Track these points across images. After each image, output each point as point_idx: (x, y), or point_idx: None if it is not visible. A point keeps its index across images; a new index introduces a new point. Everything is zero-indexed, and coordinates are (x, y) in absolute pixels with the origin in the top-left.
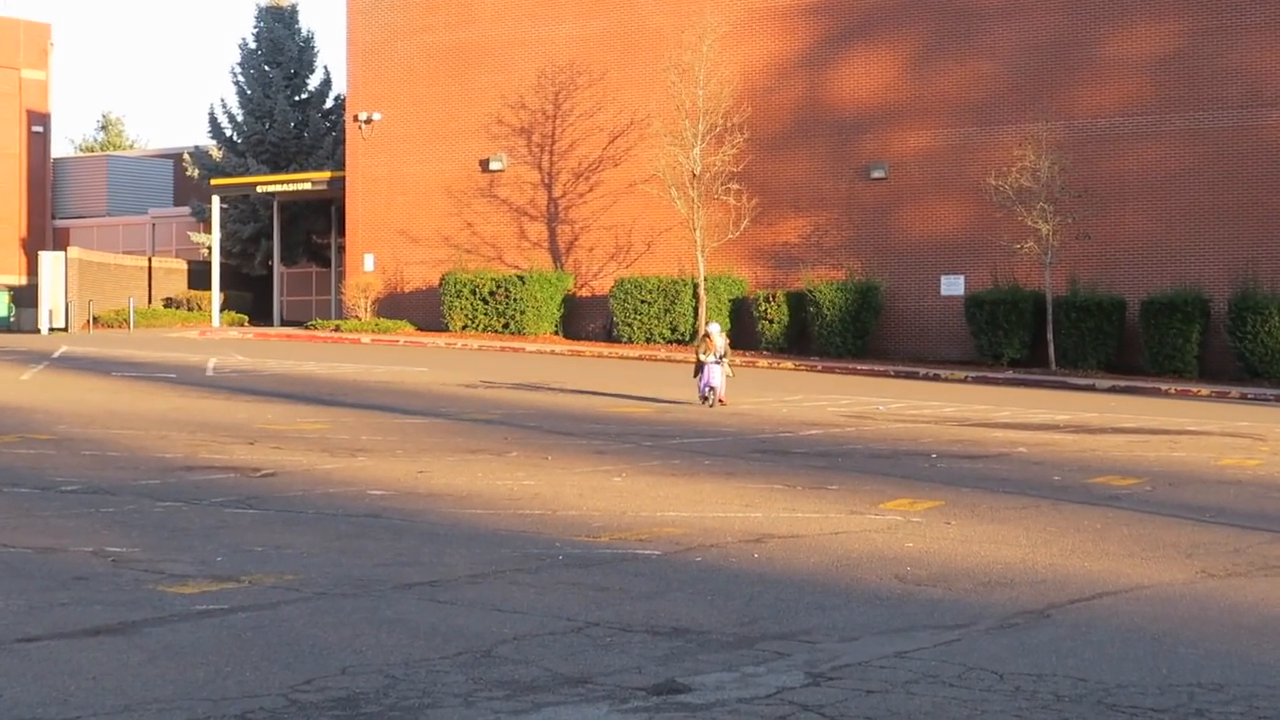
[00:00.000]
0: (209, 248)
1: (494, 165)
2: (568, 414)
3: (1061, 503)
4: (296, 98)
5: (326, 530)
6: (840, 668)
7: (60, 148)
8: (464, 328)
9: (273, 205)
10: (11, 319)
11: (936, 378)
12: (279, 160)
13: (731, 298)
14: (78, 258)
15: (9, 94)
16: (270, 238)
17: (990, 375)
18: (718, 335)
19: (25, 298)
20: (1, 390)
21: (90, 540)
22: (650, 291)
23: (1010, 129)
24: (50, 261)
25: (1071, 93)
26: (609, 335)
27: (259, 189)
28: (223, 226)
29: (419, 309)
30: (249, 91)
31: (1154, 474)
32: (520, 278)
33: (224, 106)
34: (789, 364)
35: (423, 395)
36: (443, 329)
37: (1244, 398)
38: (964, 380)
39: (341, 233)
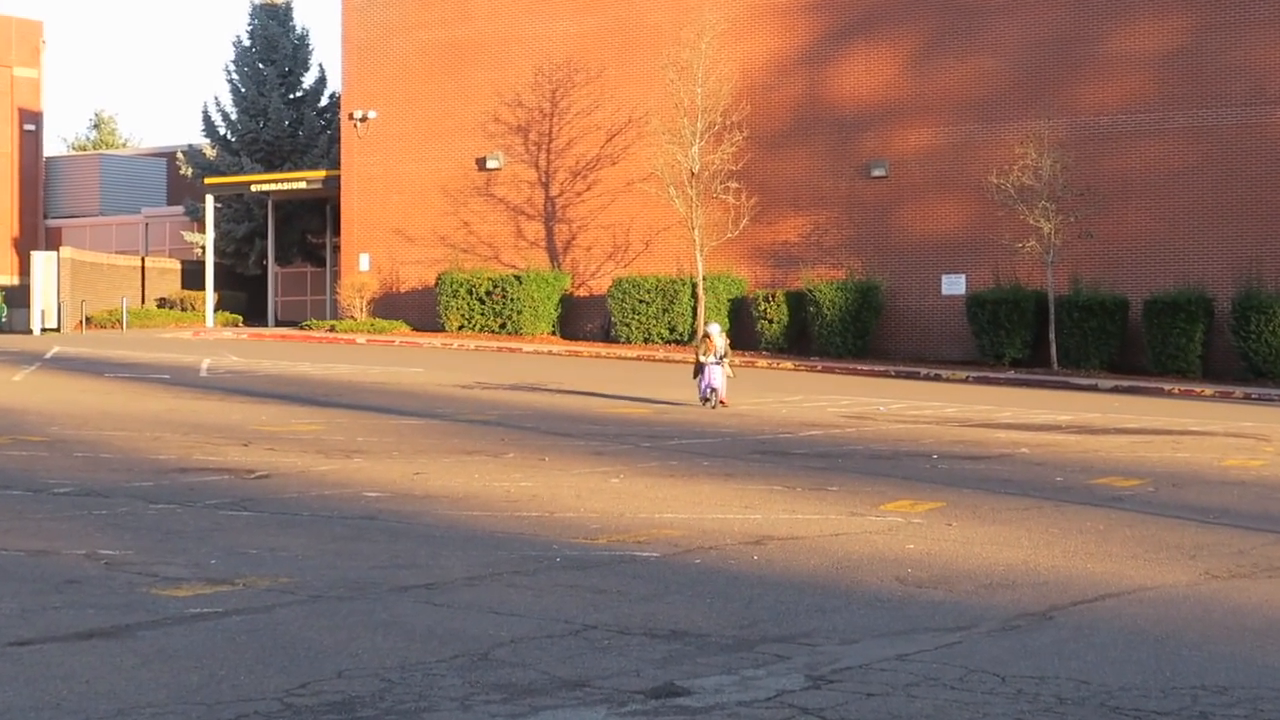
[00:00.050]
0: (203, 247)
1: (490, 164)
2: (565, 415)
3: (1064, 504)
4: (291, 95)
5: (322, 532)
6: (841, 670)
7: (53, 146)
8: (460, 328)
9: (267, 204)
10: (3, 319)
11: (938, 378)
12: (273, 159)
13: (730, 297)
14: (70, 257)
15: (0, 92)
16: (265, 237)
17: (992, 375)
18: (718, 336)
19: (17, 298)
20: None
21: (83, 543)
22: (648, 291)
23: (1012, 126)
24: (43, 261)
25: (1074, 90)
26: (607, 335)
27: (253, 188)
28: (217, 226)
29: (415, 309)
30: (243, 89)
31: (1157, 475)
32: (517, 277)
33: (218, 104)
34: (789, 364)
35: (419, 396)
36: (439, 329)
37: (1248, 398)
38: (965, 380)
39: (336, 232)
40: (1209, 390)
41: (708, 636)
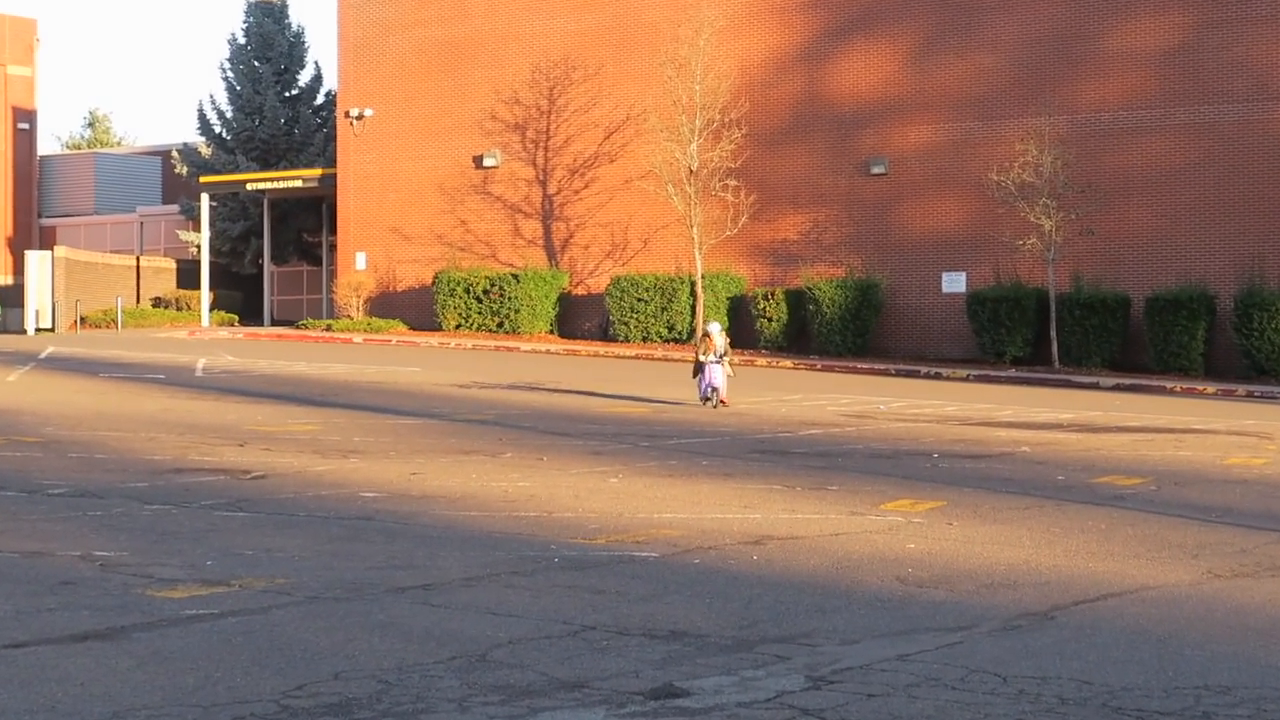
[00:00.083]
0: (198, 246)
1: (487, 162)
2: (563, 414)
3: (1065, 503)
4: (287, 94)
5: (318, 533)
6: (841, 671)
7: (46, 145)
8: (457, 327)
9: (263, 203)
10: None
11: (938, 376)
12: (269, 157)
13: (729, 296)
14: (64, 257)
15: None
16: (260, 236)
17: (992, 374)
18: (718, 335)
19: (11, 298)
20: None
21: (78, 544)
22: (647, 290)
23: (1012, 123)
24: (37, 261)
25: (1075, 86)
26: (605, 334)
27: (249, 186)
28: (212, 225)
29: (412, 308)
30: (238, 88)
31: (1159, 473)
32: (514, 276)
33: (213, 103)
34: (788, 363)
35: (416, 396)
36: (436, 328)
37: (1250, 396)
38: (966, 379)
39: (333, 231)
40: (1211, 388)
41: (707, 637)
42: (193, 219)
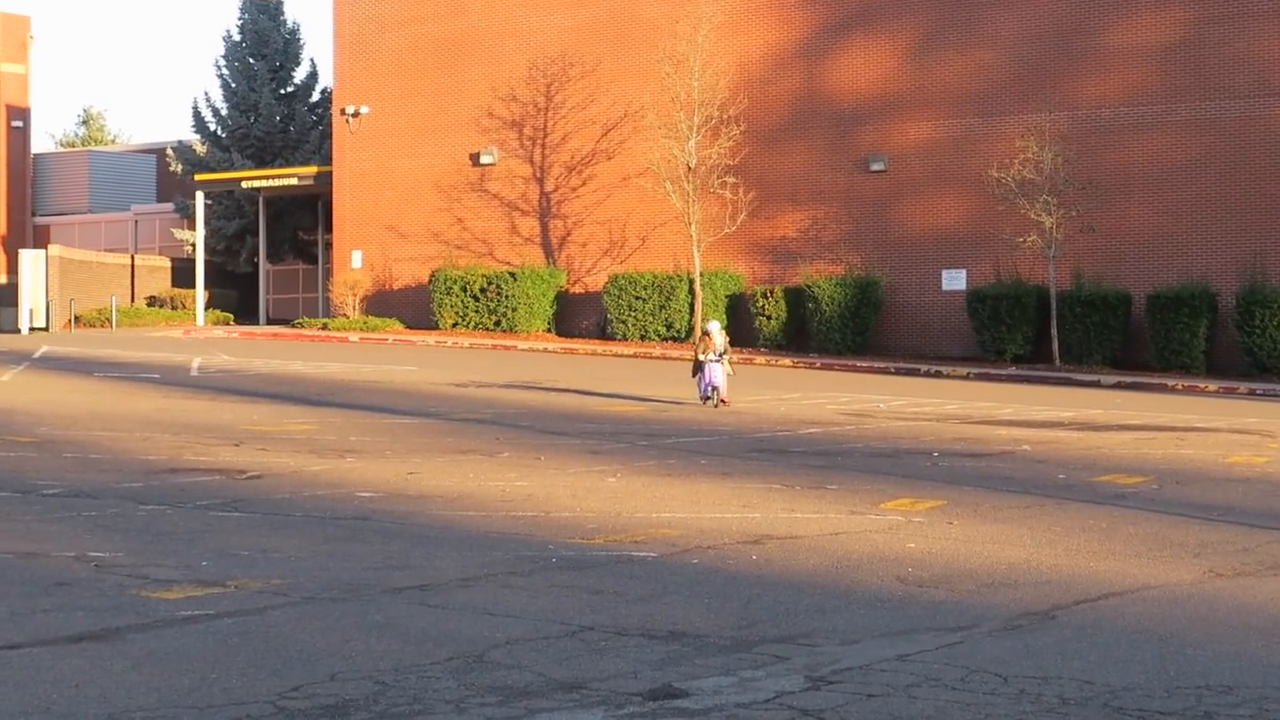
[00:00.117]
0: (193, 245)
1: (484, 159)
2: (561, 413)
3: (1066, 502)
4: (282, 91)
5: (314, 533)
6: (841, 671)
7: (40, 143)
8: (454, 325)
9: (258, 201)
10: None
11: (938, 374)
12: (264, 155)
13: (728, 294)
14: (59, 256)
15: None
16: (256, 234)
17: (993, 372)
18: (718, 333)
19: (5, 296)
20: None
21: (72, 545)
22: (645, 288)
23: (1013, 120)
24: (30, 260)
25: (1075, 83)
26: (603, 333)
27: (244, 184)
28: (207, 223)
29: (408, 306)
30: (233, 85)
31: (1161, 472)
32: (512, 274)
33: (208, 100)
34: (787, 361)
35: (412, 395)
36: (433, 327)
37: (1252, 394)
38: (966, 377)
39: (329, 229)
40: (1213, 386)
41: (706, 637)
42: (188, 217)
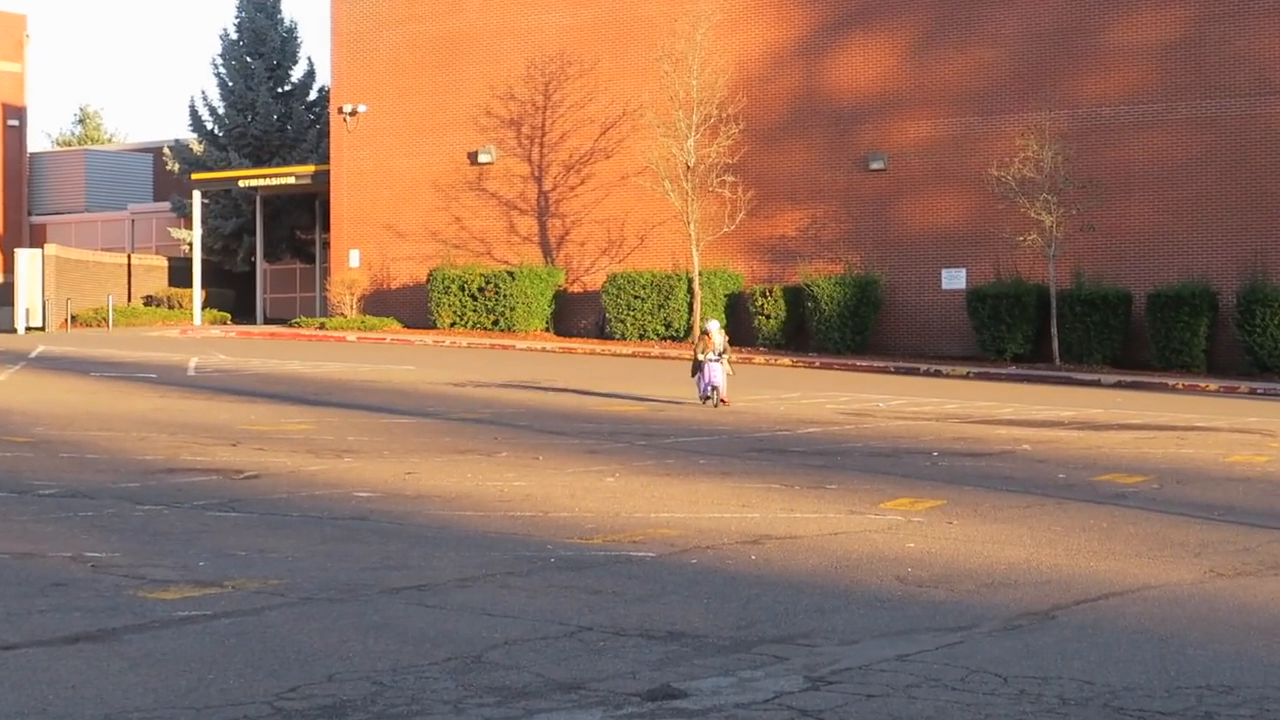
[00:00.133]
0: (190, 244)
1: (482, 158)
2: (559, 413)
3: (1066, 501)
4: (279, 89)
5: (312, 533)
6: (840, 671)
7: (37, 142)
8: (452, 325)
9: (255, 200)
10: None
11: (937, 374)
12: (262, 154)
13: (727, 293)
14: (55, 255)
15: None
16: (253, 233)
17: (993, 371)
18: (717, 333)
19: (1, 296)
20: None
21: (69, 545)
22: (643, 287)
23: (1013, 118)
24: (27, 259)
25: (1075, 81)
26: (601, 332)
27: (241, 183)
28: (204, 222)
29: (406, 306)
30: (230, 83)
31: (1161, 471)
32: (510, 273)
33: (205, 99)
34: (786, 360)
35: (410, 394)
36: (430, 326)
37: (1253, 393)
38: (966, 376)
39: (326, 228)
40: (1213, 385)
41: (705, 637)
42: (185, 216)
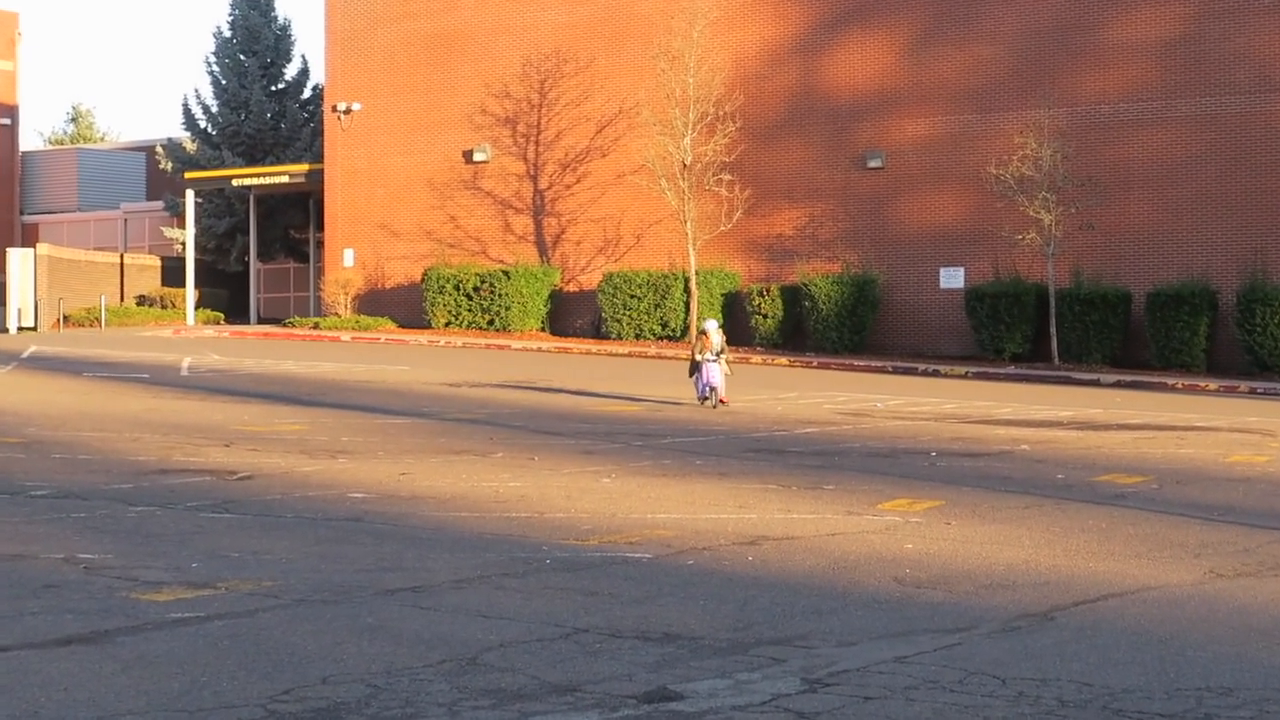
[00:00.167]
0: (183, 243)
1: (478, 156)
2: (555, 413)
3: (1065, 502)
4: (273, 88)
5: (306, 535)
6: (837, 673)
7: (29, 141)
8: (447, 325)
9: (249, 199)
10: None
11: (936, 373)
12: (255, 152)
13: (724, 292)
14: (47, 254)
15: None
16: (246, 233)
17: (991, 371)
18: (715, 332)
19: None
20: None
21: (61, 546)
22: (640, 286)
23: (1011, 116)
24: (19, 258)
25: (1075, 78)
26: (597, 332)
27: (235, 182)
28: (197, 221)
29: (401, 305)
30: (224, 81)
31: (1161, 472)
32: (505, 273)
33: (198, 97)
34: (783, 360)
35: (405, 395)
36: (425, 326)
37: (1253, 392)
38: (964, 376)
39: (320, 227)
40: (1213, 385)
41: (701, 639)
42: (177, 215)
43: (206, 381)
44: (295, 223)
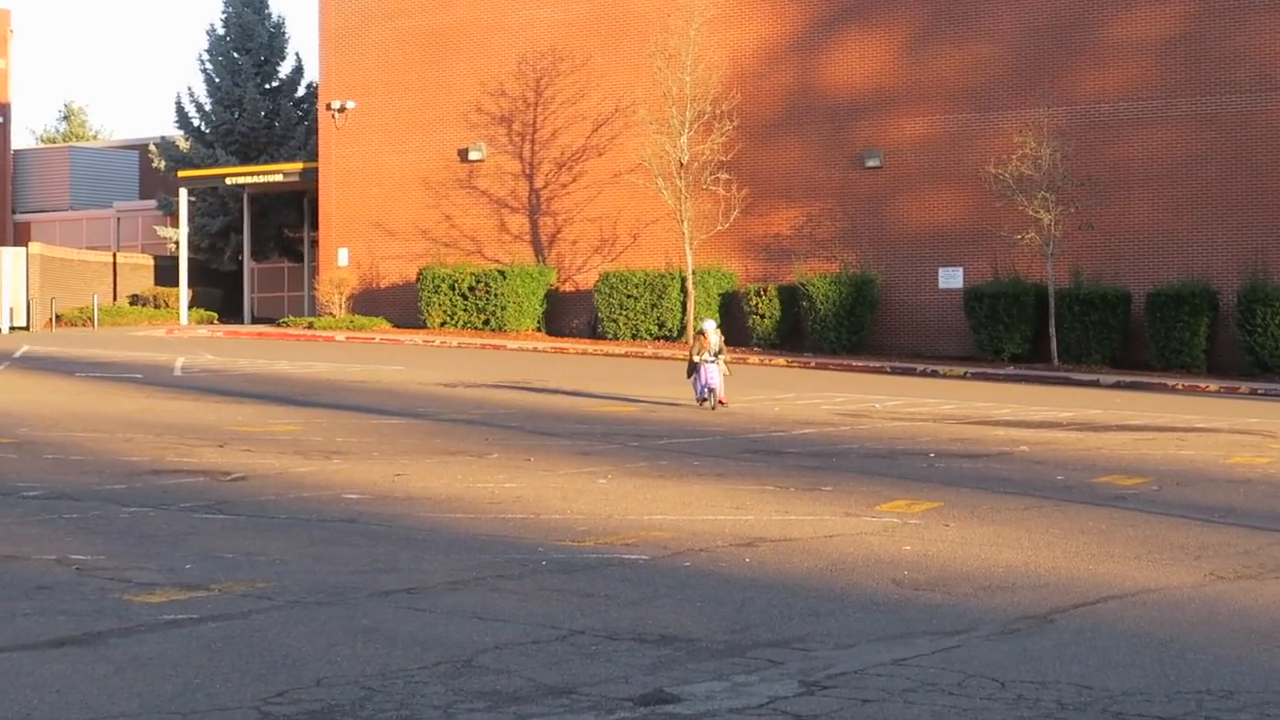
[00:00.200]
0: (176, 242)
1: (473, 155)
2: (551, 414)
3: (1065, 503)
4: (267, 86)
5: (300, 536)
6: (835, 676)
7: (20, 139)
8: (442, 324)
9: (242, 198)
10: None
11: (934, 374)
12: (249, 151)
13: (721, 292)
14: (39, 254)
15: None
16: (240, 232)
17: (990, 371)
18: (713, 332)
19: None
20: None
21: (53, 548)
22: (636, 286)
23: (1010, 115)
24: (10, 258)
25: (1074, 77)
26: (593, 331)
27: (228, 181)
28: (191, 220)
29: (395, 305)
30: (217, 79)
31: (1161, 473)
32: (501, 272)
33: (191, 95)
34: (781, 360)
35: (400, 395)
36: (420, 326)
37: (1254, 393)
38: (963, 376)
39: (314, 226)
40: (1214, 386)
41: (698, 641)
42: (171, 214)
43: (200, 382)
44: (289, 222)
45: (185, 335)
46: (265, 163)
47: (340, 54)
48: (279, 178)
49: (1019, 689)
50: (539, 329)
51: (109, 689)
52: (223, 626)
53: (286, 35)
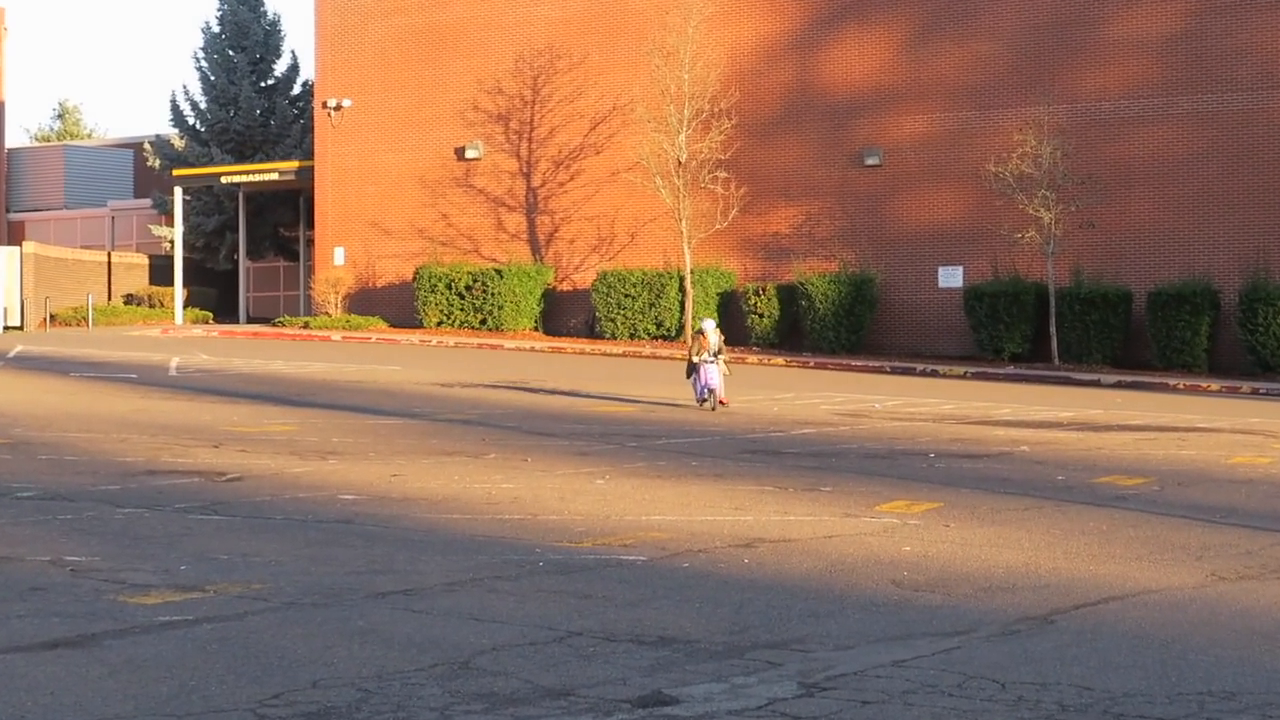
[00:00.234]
0: (171, 242)
1: (470, 153)
2: (548, 414)
3: (1065, 504)
4: (262, 84)
5: (296, 537)
6: (835, 677)
7: (14, 137)
8: (439, 324)
9: (238, 197)
10: None
11: (934, 374)
12: (244, 149)
13: (719, 291)
14: (33, 253)
15: None
16: (235, 231)
17: (990, 371)
18: (712, 332)
19: None
20: None
21: (47, 549)
22: (634, 285)
23: (1010, 113)
24: (4, 257)
25: (1075, 75)
26: (591, 331)
27: (224, 179)
28: (186, 219)
29: (392, 304)
30: (212, 77)
31: (1162, 473)
32: (498, 271)
33: (186, 93)
34: (780, 360)
35: (396, 395)
36: (417, 325)
37: (1255, 393)
38: (963, 376)
39: (310, 225)
40: (1215, 385)
41: (697, 643)
42: (166, 213)
43: (195, 381)
44: (285, 220)
45: (180, 335)
46: (261, 161)
47: (336, 51)
48: (274, 176)
49: (1019, 690)
50: (536, 328)
51: (103, 691)
52: (218, 628)
53: (282, 33)
